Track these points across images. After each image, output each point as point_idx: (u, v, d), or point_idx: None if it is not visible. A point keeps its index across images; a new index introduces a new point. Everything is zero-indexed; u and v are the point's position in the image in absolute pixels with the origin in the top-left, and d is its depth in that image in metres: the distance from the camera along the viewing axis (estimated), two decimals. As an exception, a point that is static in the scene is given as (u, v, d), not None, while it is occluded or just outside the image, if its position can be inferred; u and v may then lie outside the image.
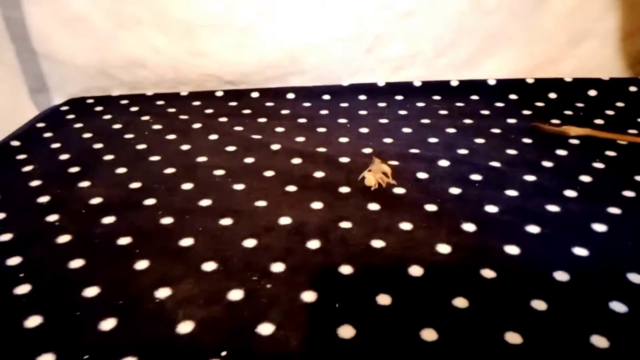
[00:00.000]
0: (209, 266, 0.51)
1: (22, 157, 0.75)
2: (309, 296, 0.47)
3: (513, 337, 0.43)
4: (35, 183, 0.67)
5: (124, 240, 0.55)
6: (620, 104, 0.91)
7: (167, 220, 0.58)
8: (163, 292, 0.48)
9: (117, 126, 0.84)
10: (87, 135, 0.81)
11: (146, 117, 0.87)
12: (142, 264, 0.52)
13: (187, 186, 0.65)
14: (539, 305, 0.46)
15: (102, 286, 0.49)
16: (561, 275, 0.49)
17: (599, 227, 0.56)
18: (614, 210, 0.59)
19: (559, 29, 0.98)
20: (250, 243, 0.54)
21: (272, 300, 0.47)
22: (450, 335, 0.44)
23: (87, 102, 0.95)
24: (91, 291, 0.49)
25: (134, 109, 0.91)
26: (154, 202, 0.62)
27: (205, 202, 0.62)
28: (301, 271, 0.50)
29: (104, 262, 0.52)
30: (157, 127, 0.83)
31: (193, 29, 0.91)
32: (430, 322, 0.45)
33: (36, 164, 0.73)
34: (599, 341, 0.43)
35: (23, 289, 0.49)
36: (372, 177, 0.64)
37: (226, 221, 0.58)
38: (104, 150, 0.76)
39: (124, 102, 0.94)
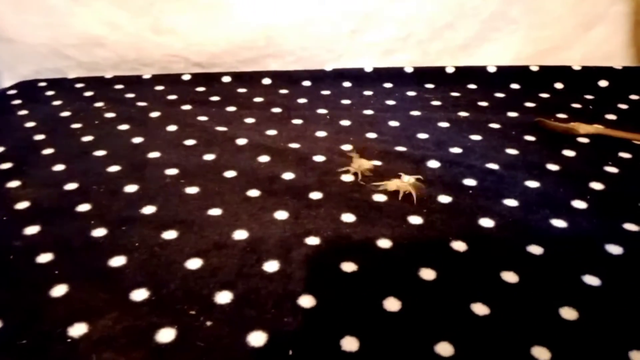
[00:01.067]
0: (139, 295, 0.42)
1: (-50, 149, 0.65)
2: (257, 338, 0.38)
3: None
4: (-44, 182, 0.58)
5: (44, 257, 0.46)
6: (634, 97, 0.81)
7: (99, 232, 0.49)
8: (78, 329, 0.39)
9: (65, 114, 0.74)
10: (29, 124, 0.71)
11: (100, 104, 0.77)
12: (59, 290, 0.42)
13: (130, 188, 0.56)
14: (541, 353, 0.37)
15: (6, 319, 0.40)
16: (568, 313, 0.40)
17: (614, 249, 0.47)
18: (631, 227, 0.50)
19: (567, 11, 0.88)
20: (194, 264, 0.45)
21: (211, 343, 0.37)
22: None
23: (39, 85, 0.85)
24: (-9, 325, 0.39)
25: (88, 93, 0.81)
26: (88, 209, 0.52)
27: (148, 210, 0.52)
28: (252, 303, 0.41)
29: (14, 286, 0.43)
30: (110, 115, 0.73)
31: (156, 3, 0.81)
32: (406, 375, 0.36)
33: (-36, 158, 0.63)
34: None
35: None
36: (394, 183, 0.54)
37: (170, 234, 0.48)
38: (44, 143, 0.66)
39: (79, 85, 0.84)
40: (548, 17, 0.88)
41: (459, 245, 0.48)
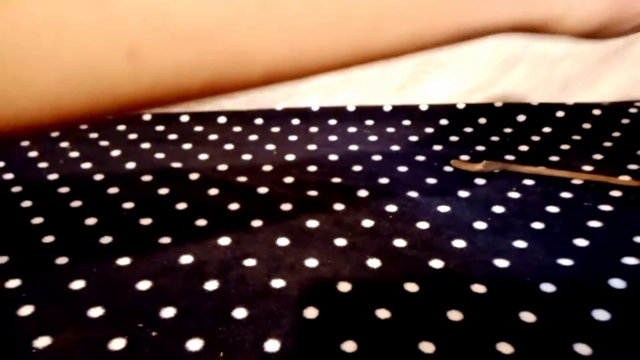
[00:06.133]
0: (95, 312, 0.49)
1: None
2: (195, 344, 0.45)
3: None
4: None
5: (12, 283, 0.53)
6: (546, 129, 0.92)
7: (60, 261, 0.56)
8: (42, 342, 0.45)
9: (32, 154, 0.81)
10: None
11: (65, 144, 0.84)
12: (26, 310, 0.49)
13: (90, 221, 0.63)
14: (427, 347, 0.46)
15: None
16: (455, 315, 0.49)
17: (502, 263, 0.56)
18: (520, 244, 0.59)
19: (488, 54, 1.00)
20: (144, 285, 0.52)
21: (156, 349, 0.45)
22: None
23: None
24: (-35, 342, 0.46)
25: (54, 134, 0.88)
26: (52, 240, 0.59)
27: (106, 239, 0.59)
28: (192, 316, 0.48)
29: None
30: (74, 154, 0.81)
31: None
32: (316, 369, 0.44)
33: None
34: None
35: None
36: None
37: (124, 261, 0.56)
38: (12, 182, 0.73)
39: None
40: (472, 60, 1.00)
41: (374, 262, 0.56)
